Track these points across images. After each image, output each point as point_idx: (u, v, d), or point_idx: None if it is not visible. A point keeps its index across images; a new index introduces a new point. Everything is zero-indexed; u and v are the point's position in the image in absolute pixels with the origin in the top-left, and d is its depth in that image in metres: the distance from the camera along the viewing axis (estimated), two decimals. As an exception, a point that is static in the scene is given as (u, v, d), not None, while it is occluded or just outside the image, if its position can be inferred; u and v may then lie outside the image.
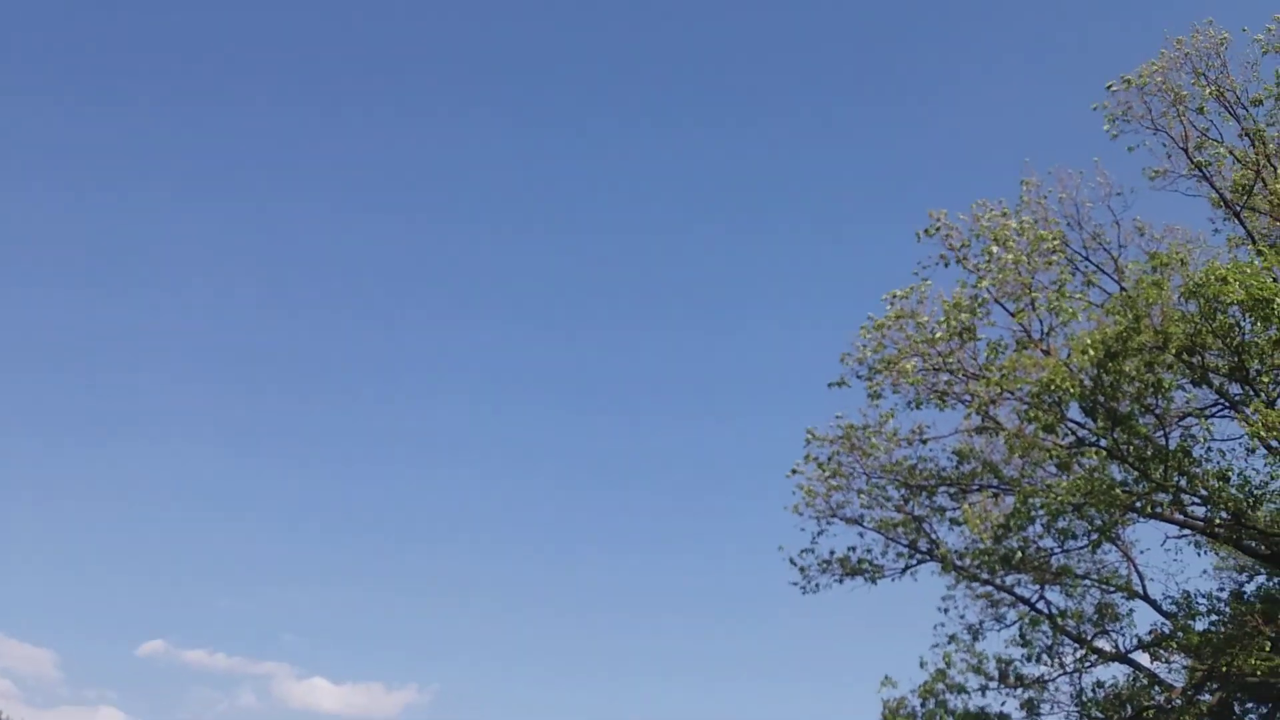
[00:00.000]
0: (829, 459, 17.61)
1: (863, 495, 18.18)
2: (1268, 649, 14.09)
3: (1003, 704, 16.21)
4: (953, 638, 17.21)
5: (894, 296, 16.38)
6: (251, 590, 66.55)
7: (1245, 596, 17.29)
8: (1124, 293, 15.20)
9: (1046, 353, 15.30)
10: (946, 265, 16.39)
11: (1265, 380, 13.70)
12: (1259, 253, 14.97)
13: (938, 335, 15.95)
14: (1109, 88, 16.60)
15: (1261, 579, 21.44)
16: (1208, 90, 16.18)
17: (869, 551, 18.59)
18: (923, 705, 15.80)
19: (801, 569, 18.71)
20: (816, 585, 18.60)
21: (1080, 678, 16.62)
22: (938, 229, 16.49)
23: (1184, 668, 15.83)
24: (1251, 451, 15.06)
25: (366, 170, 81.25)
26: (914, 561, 18.67)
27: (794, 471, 18.00)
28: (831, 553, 18.61)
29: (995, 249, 15.72)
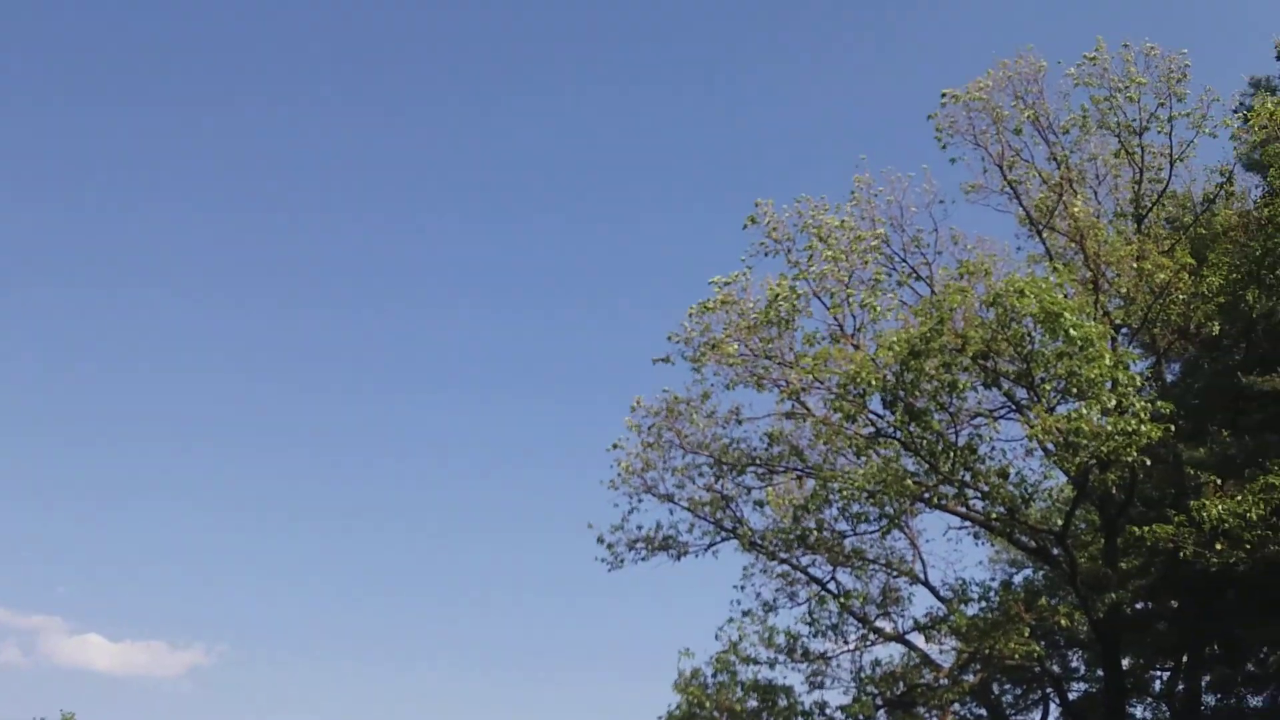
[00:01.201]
0: (650, 428, 17.89)
1: (677, 472, 18.56)
2: (1027, 634, 15.31)
3: (786, 677, 16.95)
4: (748, 613, 17.86)
5: (719, 282, 16.71)
6: (20, 537, 61.62)
7: (1013, 586, 18.72)
8: (932, 296, 16.06)
9: (856, 347, 15.99)
10: (768, 255, 16.87)
11: (1048, 388, 14.75)
12: (1054, 270, 16.14)
13: (758, 323, 16.40)
14: (942, 99, 17.48)
15: (1028, 572, 23.31)
16: (1025, 113, 17.29)
17: (675, 528, 19.04)
18: (714, 676, 16.35)
19: (609, 546, 18.95)
20: (622, 561, 18.90)
21: (861, 655, 17.61)
22: (766, 220, 16.92)
23: (953, 649, 16.99)
24: (1030, 453, 16.29)
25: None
26: (718, 539, 19.22)
27: (615, 446, 18.21)
28: (639, 528, 18.95)
29: (818, 244, 16.29)
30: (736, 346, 16.47)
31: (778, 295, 16.17)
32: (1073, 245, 17.27)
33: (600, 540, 18.91)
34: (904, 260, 17.90)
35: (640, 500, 18.60)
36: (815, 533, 17.98)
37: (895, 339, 14.67)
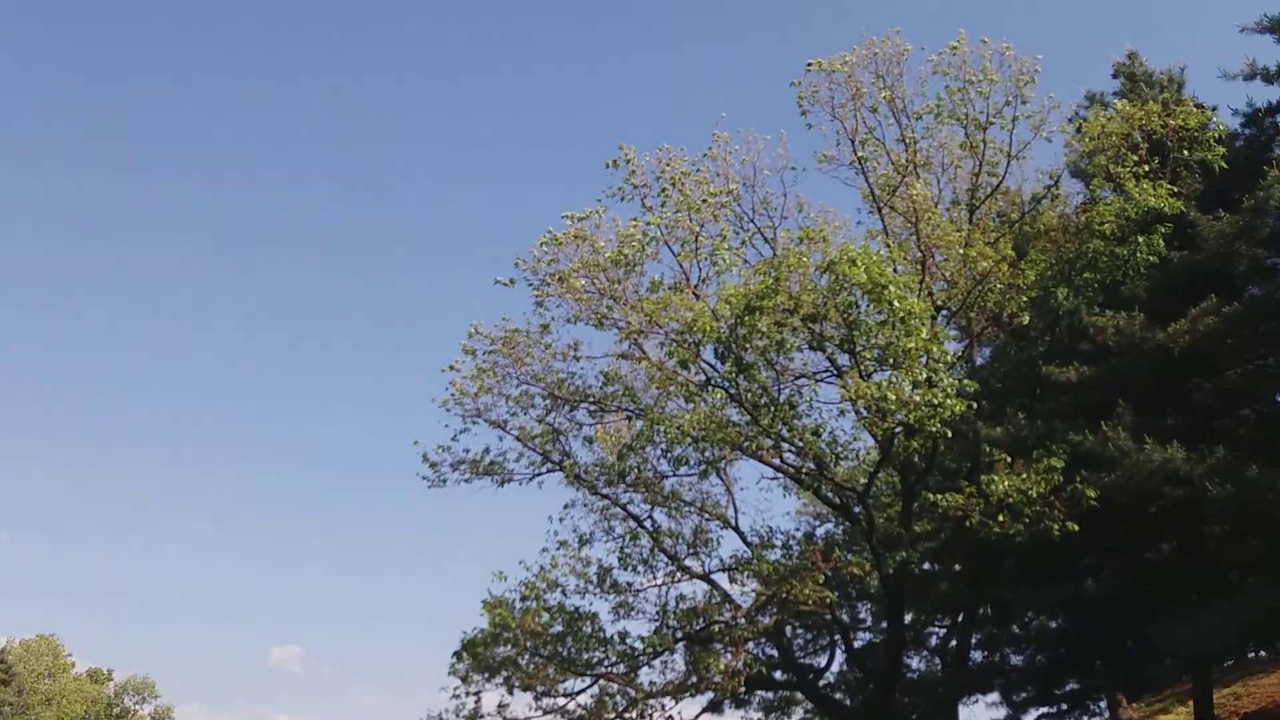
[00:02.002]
0: (486, 353, 17.91)
1: (510, 401, 18.66)
2: (822, 582, 16.27)
3: (593, 605, 17.48)
4: (563, 544, 18.23)
5: (574, 217, 16.79)
6: None
7: (814, 538, 19.77)
8: (773, 257, 16.63)
9: (697, 297, 16.43)
10: (625, 200, 17.06)
11: (867, 356, 15.56)
12: (887, 246, 16.96)
13: (607, 262, 16.60)
14: (808, 67, 17.90)
15: (830, 526, 24.64)
16: (883, 93, 17.91)
17: (503, 455, 19.21)
18: (522, 600, 16.70)
19: (433, 464, 18.96)
20: (445, 481, 18.97)
21: (667, 590, 18.29)
22: (627, 162, 17.07)
23: (753, 591, 17.89)
24: (843, 414, 17.24)
25: None
26: (544, 470, 19.51)
27: (451, 368, 18.14)
28: (466, 451, 19.03)
29: (671, 191, 16.57)
30: (583, 282, 16.64)
31: (630, 236, 16.39)
32: (908, 226, 18.12)
33: (425, 459, 18.91)
34: (752, 220, 18.37)
35: (472, 424, 18.68)
36: (637, 472, 18.51)
37: (734, 294, 15.15)
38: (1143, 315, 17.32)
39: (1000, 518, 16.02)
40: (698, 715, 18.71)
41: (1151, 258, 16.80)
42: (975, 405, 15.62)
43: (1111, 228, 16.82)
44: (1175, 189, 16.98)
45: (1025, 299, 18.11)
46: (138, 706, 79.89)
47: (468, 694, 17.57)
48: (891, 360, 14.95)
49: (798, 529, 21.94)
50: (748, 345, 15.15)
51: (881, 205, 18.47)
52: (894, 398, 14.48)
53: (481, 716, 17.64)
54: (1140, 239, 16.75)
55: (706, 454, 17.23)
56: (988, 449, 17.75)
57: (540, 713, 17.57)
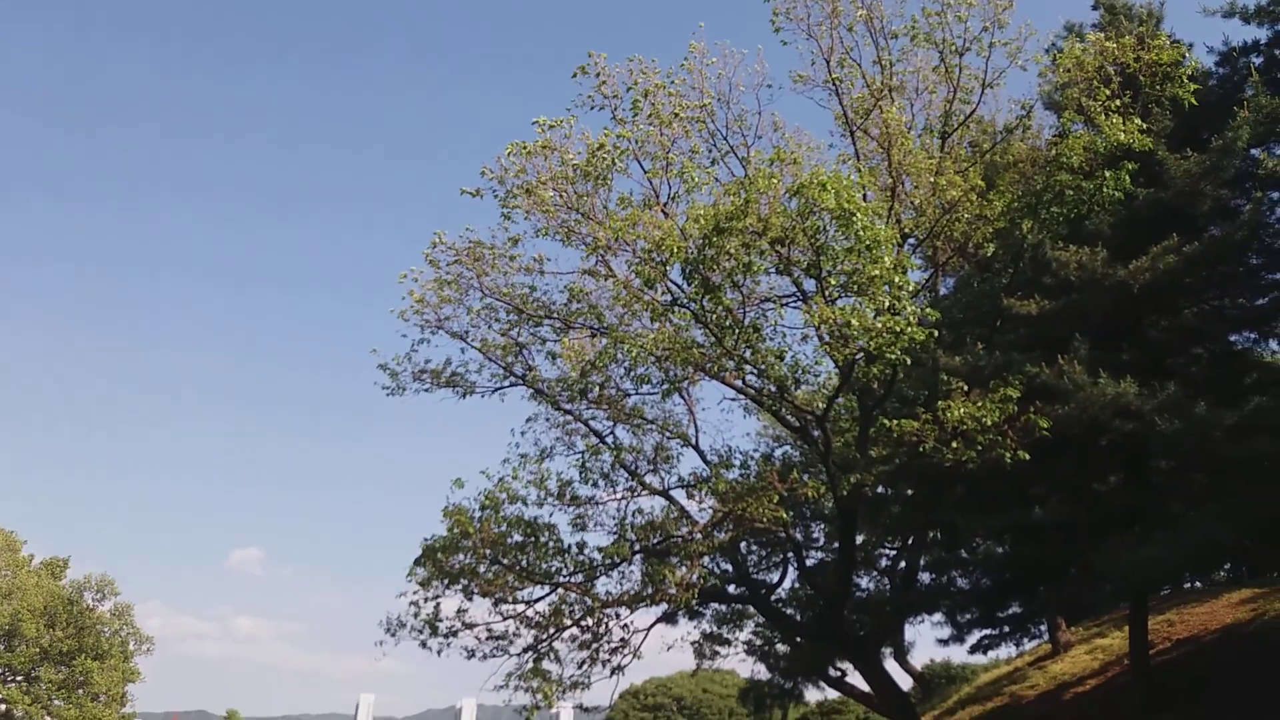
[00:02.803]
0: (450, 264, 17.73)
1: (472, 313, 18.56)
2: (777, 501, 16.56)
3: (551, 516, 17.69)
4: (524, 456, 18.38)
5: (544, 125, 16.47)
6: None
7: (772, 459, 20.10)
8: (745, 177, 16.49)
9: (666, 215, 16.31)
10: (595, 109, 16.74)
11: (832, 281, 15.61)
12: (858, 171, 16.90)
13: (576, 174, 16.38)
14: None
15: (788, 448, 25.03)
16: (860, 12, 17.62)
17: (465, 367, 19.18)
18: (482, 510, 16.85)
19: (393, 374, 18.89)
20: (404, 390, 18.93)
21: (625, 505, 18.55)
22: (597, 72, 16.70)
23: (710, 508, 18.18)
24: (805, 339, 17.34)
25: None
26: (506, 384, 19.56)
27: (404, 276, 17.95)
28: (427, 361, 18.97)
29: (643, 104, 16.30)
30: (551, 194, 16.44)
31: (600, 147, 16.15)
32: (880, 151, 18.03)
33: (383, 367, 18.83)
34: (725, 138, 18.20)
35: (433, 334, 18.58)
36: (600, 388, 18.62)
37: (703, 213, 15.04)
38: (1105, 251, 17.45)
39: (954, 444, 16.31)
40: (652, 625, 19.22)
41: (1117, 194, 16.90)
42: (936, 334, 15.79)
43: (1080, 161, 16.86)
44: (1145, 125, 17.00)
45: (991, 230, 18.20)
46: (97, 603, 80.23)
47: (426, 599, 17.86)
48: (856, 287, 15.02)
49: (756, 450, 22.32)
50: (715, 266, 15.12)
51: (854, 128, 18.35)
52: (857, 324, 14.58)
53: (440, 621, 17.98)
54: (1108, 174, 16.82)
55: (669, 374, 17.35)
56: (946, 378, 17.96)
57: (499, 619, 17.96)
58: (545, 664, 17.94)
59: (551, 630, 17.87)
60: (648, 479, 18.87)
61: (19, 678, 75.34)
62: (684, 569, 16.97)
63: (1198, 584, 26.85)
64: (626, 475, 18.72)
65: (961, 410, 16.36)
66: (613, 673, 18.54)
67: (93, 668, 74.90)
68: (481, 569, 17.03)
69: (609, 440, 19.49)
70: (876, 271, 14.58)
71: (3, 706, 75.52)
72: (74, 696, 75.04)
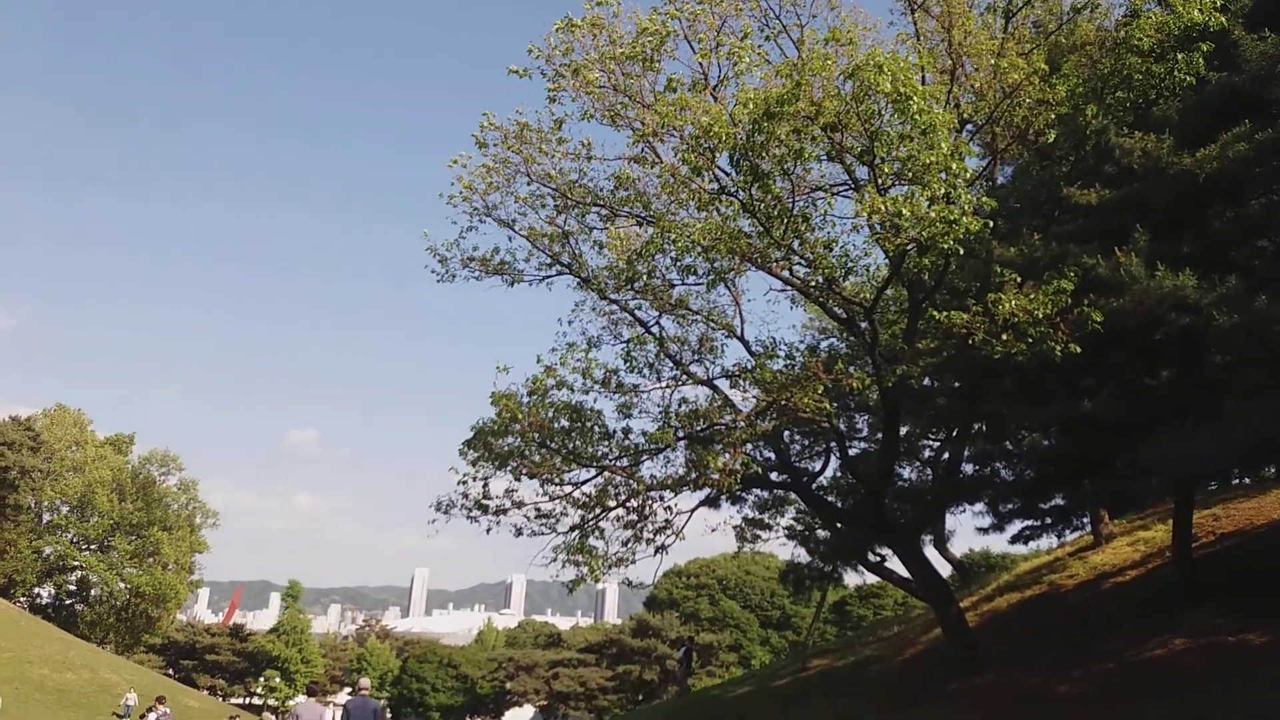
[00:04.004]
0: (497, 148, 17.61)
1: (519, 200, 18.49)
2: (821, 392, 16.63)
3: (596, 402, 17.96)
4: (571, 345, 18.54)
5: (592, 0, 16.04)
6: None
7: (817, 351, 20.07)
8: (798, 58, 16.00)
9: (715, 99, 15.93)
10: None
11: (886, 169, 15.27)
12: (916, 51, 16.30)
13: (623, 55, 15.99)
14: None
15: (834, 341, 24.95)
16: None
17: (512, 255, 19.23)
18: (529, 395, 17.15)
19: (443, 259, 19.00)
20: (454, 276, 19.07)
21: (670, 393, 18.77)
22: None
23: (754, 398, 18.33)
24: (856, 229, 17.03)
25: None
26: (553, 272, 19.60)
27: (455, 162, 17.85)
28: (475, 249, 19.04)
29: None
30: (598, 75, 16.11)
31: (647, 28, 15.73)
32: (940, 30, 17.33)
33: (432, 250, 18.93)
34: (778, 16, 17.55)
35: (481, 221, 18.59)
36: (646, 278, 18.59)
37: (753, 97, 14.67)
38: (1172, 138, 16.80)
39: (1004, 337, 16.15)
40: (695, 508, 19.66)
41: (1188, 78, 16.15)
42: (991, 224, 15.45)
43: (1150, 43, 16.08)
44: (1221, 3, 16.12)
45: (1053, 116, 17.56)
46: (162, 478, 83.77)
47: (476, 479, 18.40)
48: (910, 174, 14.68)
49: (802, 342, 22.30)
50: (764, 153, 14.83)
51: (914, 6, 17.60)
52: (909, 213, 14.31)
53: (489, 500, 18.54)
54: (1179, 57, 16.04)
55: (716, 264, 17.23)
56: (998, 269, 17.67)
57: (546, 499, 18.48)
58: (591, 541, 18.51)
59: (597, 510, 18.38)
60: (692, 369, 19.00)
61: (93, 546, 79.55)
62: (727, 456, 17.20)
63: (1246, 480, 26.65)
64: (671, 365, 18.87)
65: (1013, 303, 16.13)
66: (656, 551, 19.10)
67: (162, 538, 78.83)
68: (529, 452, 17.45)
69: (654, 330, 19.57)
70: (932, 158, 14.22)
71: (80, 573, 79.96)
72: (145, 565, 79.22)
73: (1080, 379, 18.02)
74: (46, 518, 79.71)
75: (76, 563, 78.74)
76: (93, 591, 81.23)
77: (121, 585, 79.98)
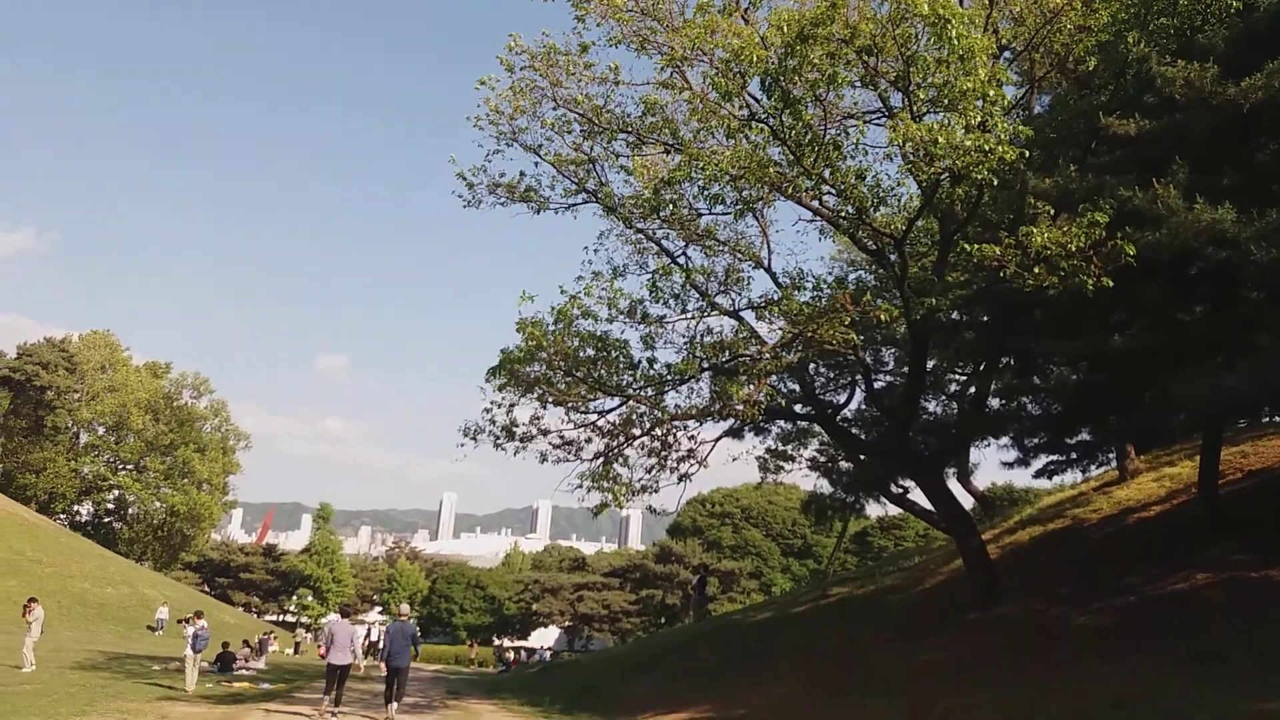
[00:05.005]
0: (523, 69, 17.35)
1: (545, 125, 18.26)
2: (848, 323, 16.52)
3: (623, 332, 17.97)
4: (597, 274, 18.47)
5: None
6: None
7: (845, 283, 19.88)
8: (831, -20, 15.53)
9: (746, 22, 15.58)
10: None
11: (921, 95, 14.92)
12: (955, -26, 15.77)
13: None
14: None
15: (862, 273, 24.72)
16: None
17: (538, 181, 19.07)
18: (555, 323, 17.17)
19: (470, 184, 18.87)
20: (480, 202, 18.95)
21: (696, 324, 18.71)
22: None
23: (780, 329, 18.24)
24: (889, 158, 16.74)
25: None
26: (579, 200, 19.43)
27: (482, 83, 17.60)
28: (502, 175, 18.88)
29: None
30: (626, -1, 15.79)
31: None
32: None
33: (461, 175, 18.81)
34: (813, -68, 17.05)
35: (507, 146, 18.41)
36: (673, 207, 18.40)
37: (786, 19, 14.32)
38: (1216, 68, 16.29)
39: (1036, 270, 15.92)
40: (719, 438, 19.75)
41: (1235, 3, 15.59)
42: (1027, 154, 15.14)
43: (1198, -34, 15.50)
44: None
45: (1094, 43, 17.05)
46: (194, 400, 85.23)
47: (502, 405, 18.56)
48: (946, 101, 14.36)
49: (830, 274, 22.08)
50: (796, 78, 14.50)
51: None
52: (944, 141, 14.03)
53: (516, 426, 18.71)
54: (1227, -20, 15.48)
55: (744, 193, 17.00)
56: (1033, 201, 17.35)
57: (571, 426, 18.65)
58: (615, 468, 18.69)
59: (621, 439, 18.52)
60: (718, 300, 18.89)
61: (129, 467, 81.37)
62: (751, 387, 17.21)
63: (1277, 418, 26.40)
64: (697, 296, 18.78)
65: (1047, 235, 15.86)
66: (680, 480, 19.27)
67: (194, 458, 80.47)
68: (555, 379, 17.54)
69: (681, 260, 19.43)
70: (969, 85, 13.89)
71: (117, 492, 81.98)
72: (179, 485, 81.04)
73: (1112, 313, 17.80)
74: (83, 438, 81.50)
75: (113, 482, 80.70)
76: (130, 510, 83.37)
77: (158, 504, 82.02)
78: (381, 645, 20.59)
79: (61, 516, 78.54)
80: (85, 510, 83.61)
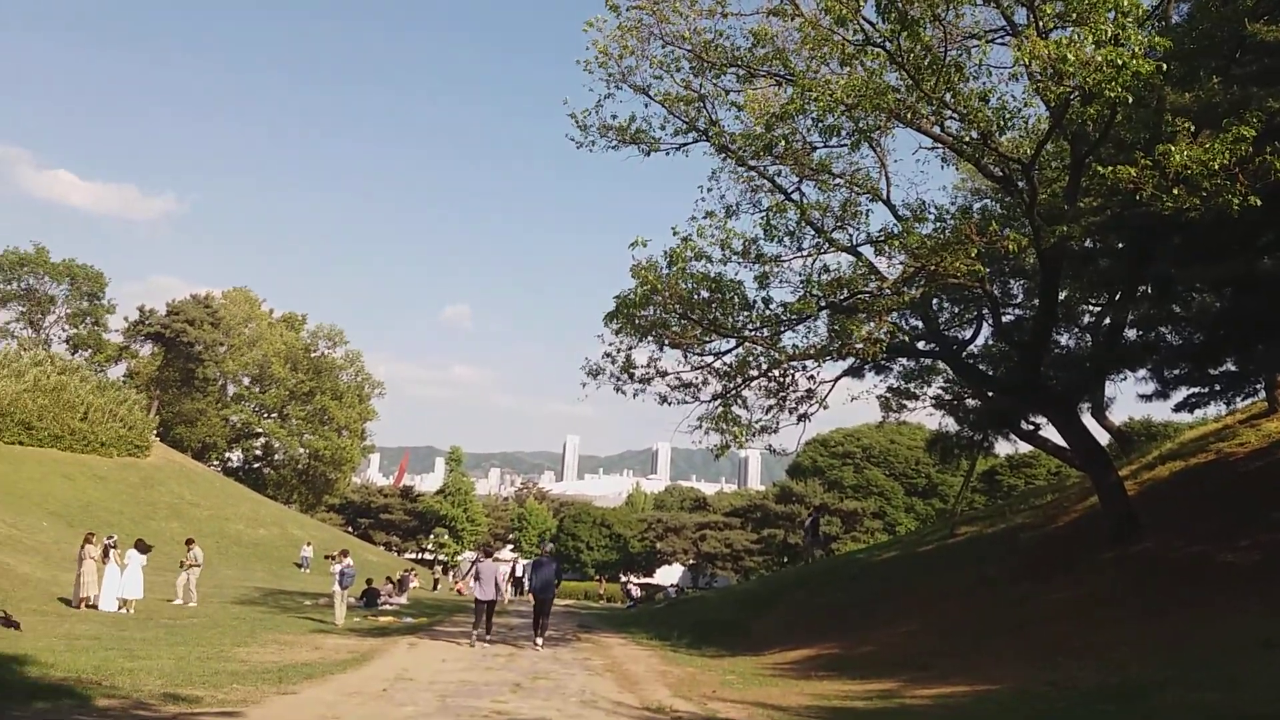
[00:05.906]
0: (630, 10, 17.17)
1: (654, 64, 18.08)
2: (972, 255, 15.93)
3: (737, 273, 17.83)
4: (710, 214, 18.32)
5: None
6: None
7: (969, 212, 19.15)
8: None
9: (859, -57, 14.96)
10: None
11: (1048, 10, 14.14)
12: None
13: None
14: None
15: (988, 202, 23.76)
16: None
17: (648, 122, 18.94)
18: (669, 266, 17.14)
19: (582, 126, 18.89)
20: (593, 144, 18.97)
21: (812, 262, 18.39)
22: None
23: (901, 264, 17.75)
24: (1014, 78, 15.95)
25: None
26: (689, 139, 19.24)
27: (590, 25, 17.51)
28: (613, 117, 18.84)
29: None
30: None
31: None
32: None
33: (572, 116, 18.83)
34: None
35: (617, 88, 18.31)
36: (786, 142, 18.00)
37: (901, -62, 13.72)
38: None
39: (1175, 191, 14.96)
40: (838, 377, 19.49)
41: None
42: (1164, 67, 14.19)
43: None
44: None
45: (1241, -59, 15.79)
46: (330, 351, 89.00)
47: (620, 349, 18.73)
48: (1075, 15, 13.56)
49: (953, 204, 21.29)
50: (914, -1, 13.91)
51: None
52: (1073, 58, 13.27)
53: (634, 368, 18.90)
54: None
55: (860, 123, 16.49)
56: (1171, 118, 16.29)
57: (688, 369, 18.70)
58: (734, 410, 18.69)
59: (738, 380, 18.47)
60: (835, 236, 18.50)
61: (273, 415, 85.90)
62: (871, 324, 16.86)
63: None
64: (813, 232, 18.41)
65: (1187, 153, 14.88)
66: (799, 420, 19.14)
67: (331, 405, 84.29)
68: (670, 322, 17.57)
69: (795, 197, 19.06)
70: (1099, -4, 13.06)
71: (264, 439, 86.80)
72: (320, 431, 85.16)
73: (1259, 235, 16.70)
74: (230, 389, 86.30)
75: (259, 429, 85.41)
76: (276, 455, 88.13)
77: (301, 450, 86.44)
78: (527, 580, 22.61)
79: (215, 463, 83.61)
80: (236, 457, 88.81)
